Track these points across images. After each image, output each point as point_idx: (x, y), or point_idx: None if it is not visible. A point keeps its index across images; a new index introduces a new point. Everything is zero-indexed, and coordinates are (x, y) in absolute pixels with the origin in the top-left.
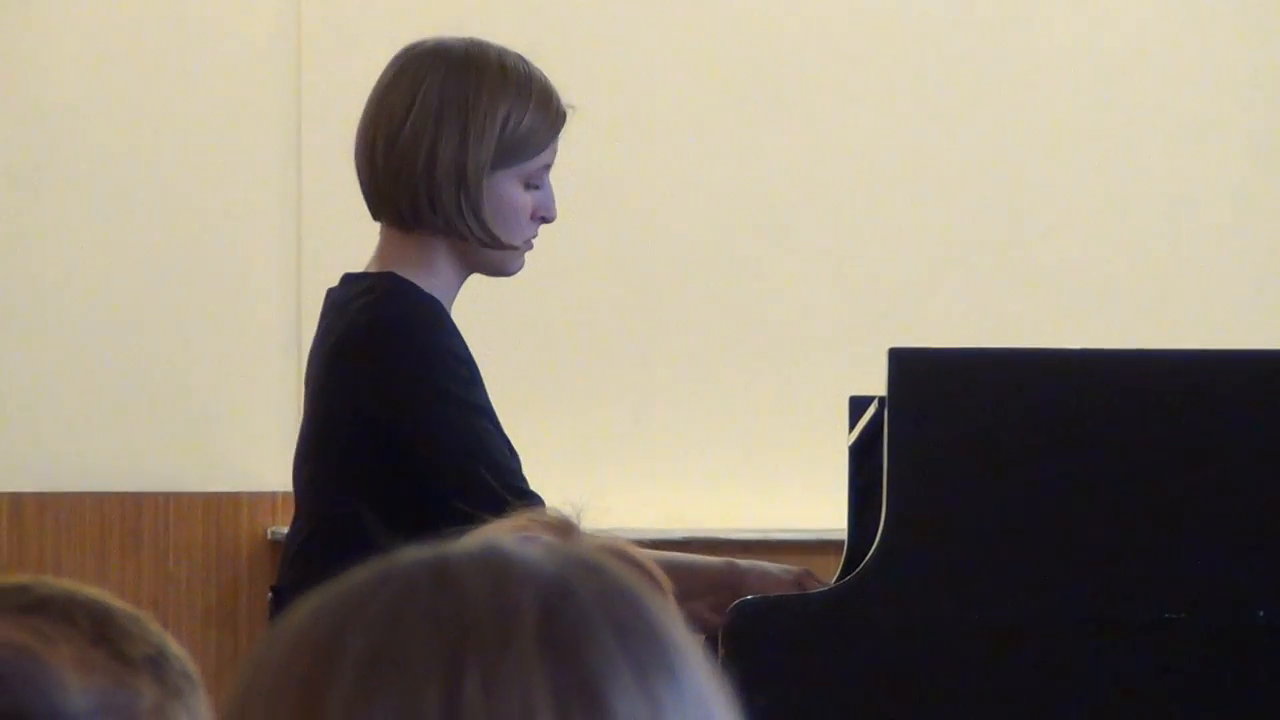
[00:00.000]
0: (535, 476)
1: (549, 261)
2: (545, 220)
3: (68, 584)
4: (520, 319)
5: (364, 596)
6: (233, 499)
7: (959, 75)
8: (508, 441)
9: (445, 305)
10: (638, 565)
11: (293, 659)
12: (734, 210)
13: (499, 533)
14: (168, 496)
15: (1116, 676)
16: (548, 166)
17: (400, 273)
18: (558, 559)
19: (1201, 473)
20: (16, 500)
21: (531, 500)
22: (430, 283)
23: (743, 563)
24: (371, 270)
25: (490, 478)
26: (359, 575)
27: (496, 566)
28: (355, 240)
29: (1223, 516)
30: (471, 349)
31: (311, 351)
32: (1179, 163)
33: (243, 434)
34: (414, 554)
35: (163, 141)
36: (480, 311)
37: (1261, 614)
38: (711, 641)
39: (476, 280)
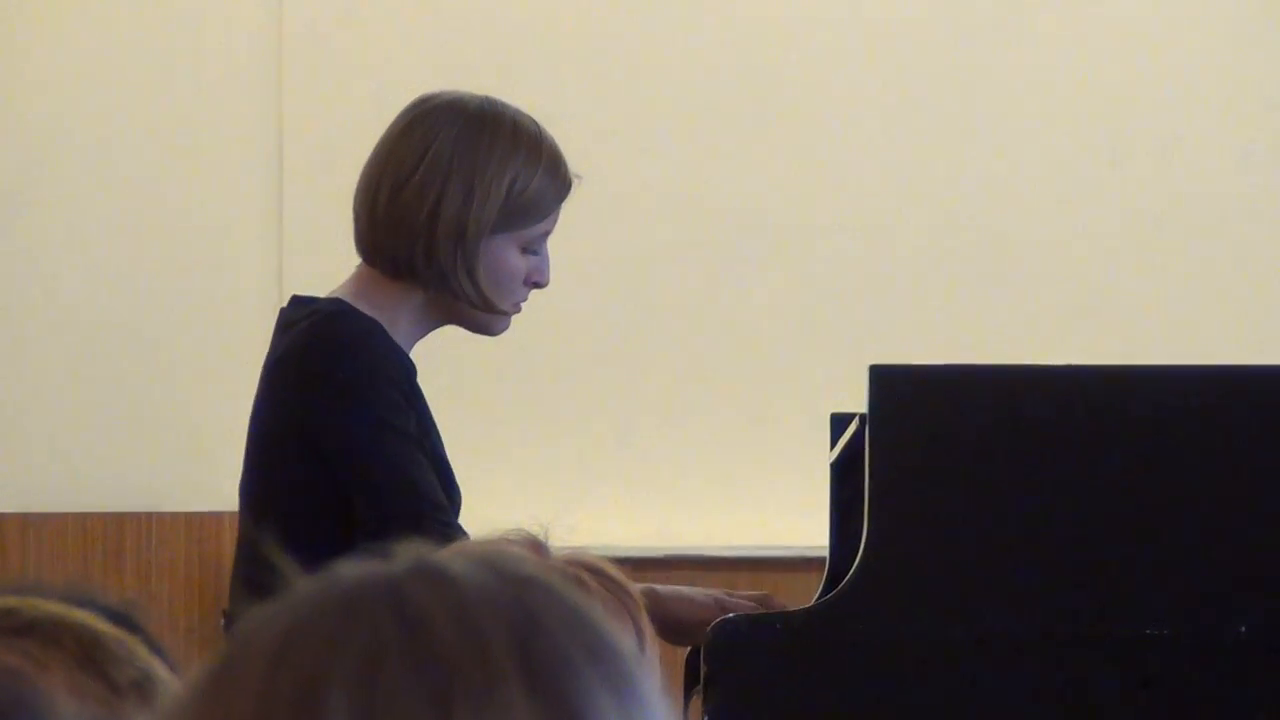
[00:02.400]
0: (518, 493)
1: None
2: (538, 286)
3: (54, 606)
4: (502, 339)
5: (330, 641)
6: (215, 518)
7: (942, 90)
8: (448, 469)
9: (400, 344)
10: (607, 577)
11: (268, 716)
12: (716, 227)
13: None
14: (150, 516)
15: (1099, 692)
16: (546, 234)
17: (357, 304)
18: (503, 580)
19: (1182, 488)
20: None
21: (451, 534)
22: (390, 321)
23: (662, 588)
24: (325, 295)
25: (412, 508)
26: (305, 614)
27: (453, 597)
28: (337, 260)
29: (1204, 532)
30: (456, 367)
31: (261, 374)
32: (1164, 178)
33: (224, 453)
34: (357, 585)
35: (144, 162)
36: (463, 332)
37: (1243, 629)
38: (694, 656)
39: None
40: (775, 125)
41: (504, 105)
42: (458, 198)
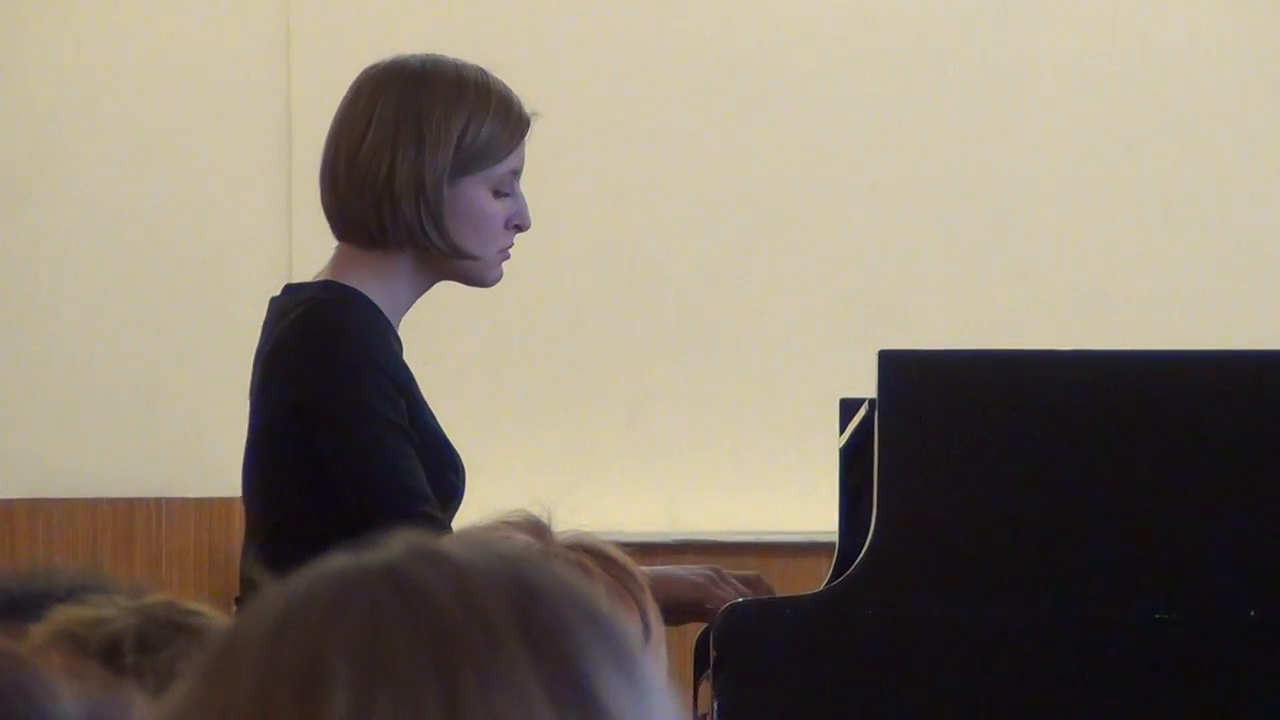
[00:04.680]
0: (526, 476)
1: (540, 263)
2: (520, 229)
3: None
4: (513, 321)
5: (330, 615)
6: (225, 504)
7: (948, 77)
8: (445, 443)
9: (392, 316)
10: (611, 561)
11: (272, 688)
12: (725, 212)
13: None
14: (160, 502)
15: (1107, 676)
16: (516, 173)
17: (346, 281)
18: (499, 557)
19: (1191, 472)
20: (8, 506)
21: (436, 529)
22: (379, 294)
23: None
24: (314, 280)
25: (398, 503)
26: (302, 593)
27: (450, 571)
28: None
29: (1213, 516)
30: (465, 352)
31: (254, 363)
32: (1169, 163)
33: (234, 439)
34: (353, 566)
35: (154, 148)
36: (473, 314)
37: (1252, 613)
38: (704, 641)
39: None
40: (784, 109)
41: (446, 58)
42: (410, 151)
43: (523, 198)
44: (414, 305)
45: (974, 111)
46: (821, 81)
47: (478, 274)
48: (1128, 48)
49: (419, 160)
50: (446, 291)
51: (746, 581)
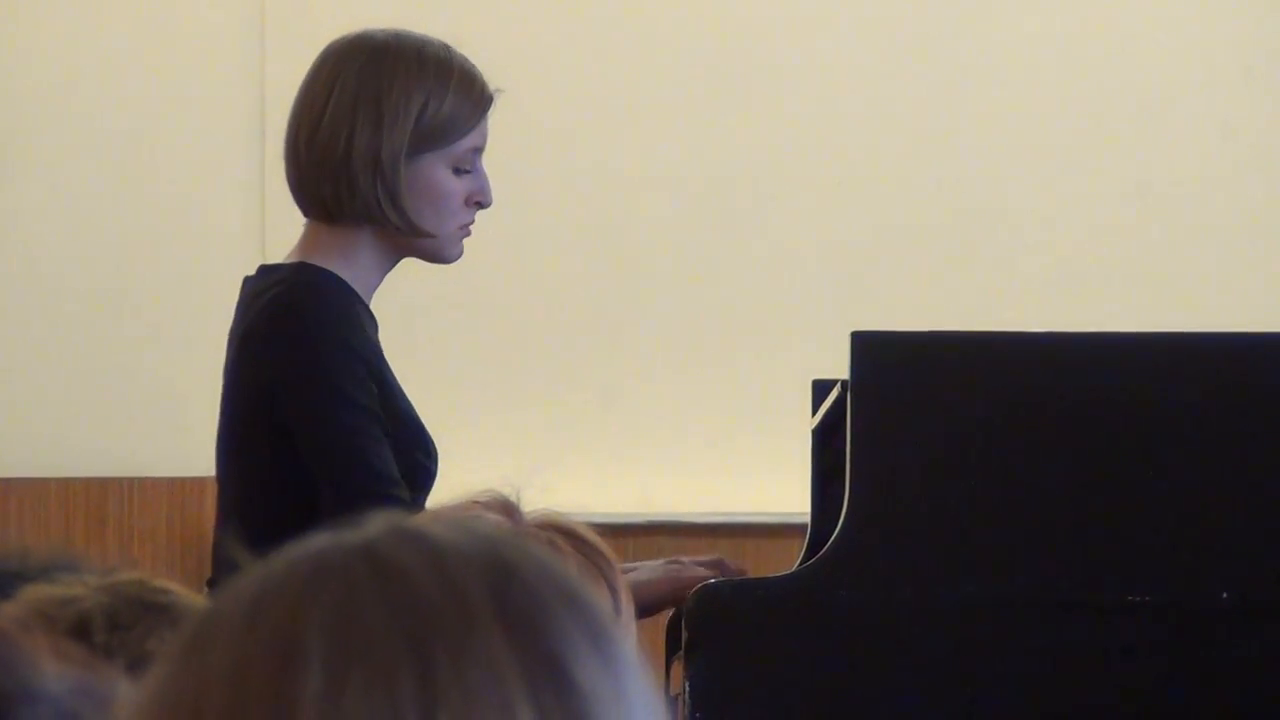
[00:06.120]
0: (499, 458)
1: (514, 245)
2: (481, 205)
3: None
4: (487, 303)
5: (304, 594)
6: (198, 483)
7: (923, 59)
8: (418, 426)
9: (364, 293)
10: (580, 540)
11: (246, 668)
12: (699, 194)
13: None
14: (132, 481)
15: (1080, 658)
16: (478, 150)
17: (316, 262)
18: (477, 537)
19: (1164, 455)
20: None
21: (399, 509)
22: (349, 271)
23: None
24: (287, 261)
25: (369, 486)
26: (278, 573)
27: (428, 550)
28: None
29: (1187, 498)
30: (437, 333)
31: (228, 344)
32: (1146, 145)
33: (207, 418)
34: (331, 545)
35: (126, 128)
36: (447, 295)
37: (1225, 595)
38: (676, 622)
39: (444, 265)
40: (758, 91)
41: (410, 34)
42: (368, 127)
43: (485, 175)
44: (389, 286)
45: (947, 95)
46: (794, 66)
47: (437, 251)
48: (1102, 29)
49: (376, 136)
50: (423, 272)
51: (709, 565)
